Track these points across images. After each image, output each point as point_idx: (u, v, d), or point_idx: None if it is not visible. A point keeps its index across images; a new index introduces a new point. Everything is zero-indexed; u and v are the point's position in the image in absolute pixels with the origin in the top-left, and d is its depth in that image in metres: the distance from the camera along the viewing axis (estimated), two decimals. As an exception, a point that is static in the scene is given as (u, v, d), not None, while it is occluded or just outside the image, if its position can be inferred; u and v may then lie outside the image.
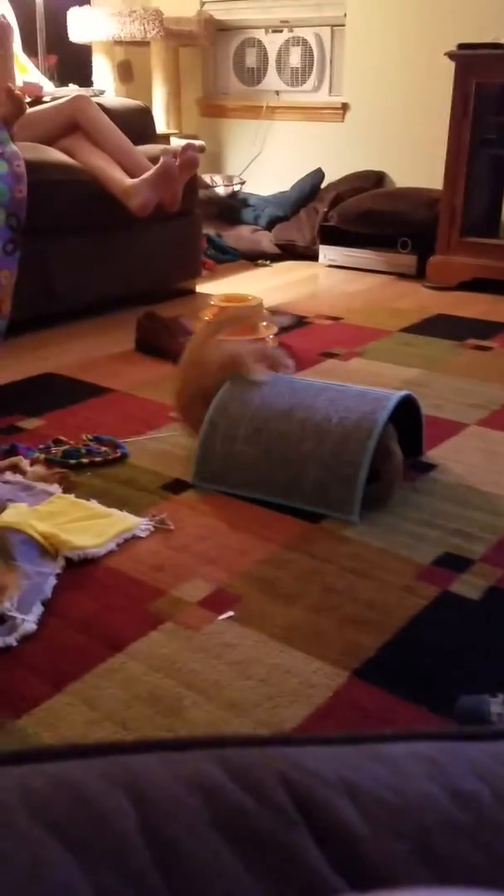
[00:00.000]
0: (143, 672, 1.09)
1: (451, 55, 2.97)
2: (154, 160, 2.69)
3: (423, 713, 1.02)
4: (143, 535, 1.43)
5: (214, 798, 0.30)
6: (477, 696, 0.96)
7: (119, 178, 2.63)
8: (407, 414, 1.70)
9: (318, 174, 3.86)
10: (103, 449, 1.74)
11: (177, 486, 1.61)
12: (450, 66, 2.99)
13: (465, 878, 0.28)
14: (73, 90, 3.08)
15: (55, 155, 2.65)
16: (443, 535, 1.43)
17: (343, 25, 3.76)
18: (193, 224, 3.06)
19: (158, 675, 1.08)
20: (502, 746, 0.37)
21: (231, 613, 1.22)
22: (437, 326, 2.71)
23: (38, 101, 2.88)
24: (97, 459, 1.70)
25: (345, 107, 3.84)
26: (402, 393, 1.62)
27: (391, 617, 1.21)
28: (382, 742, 0.36)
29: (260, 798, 0.30)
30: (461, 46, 2.97)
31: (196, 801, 0.30)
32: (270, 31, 4.00)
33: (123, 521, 1.45)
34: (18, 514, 1.39)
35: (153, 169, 2.63)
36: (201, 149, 3.43)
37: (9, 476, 1.58)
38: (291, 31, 3.93)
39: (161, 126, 3.82)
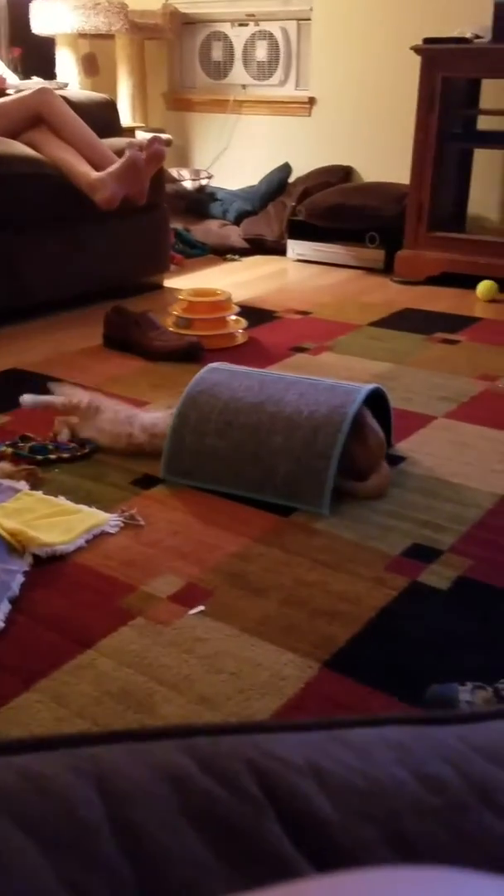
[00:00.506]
0: (113, 668, 1.08)
1: (416, 49, 2.98)
2: (120, 153, 2.67)
3: (393, 703, 1.02)
4: (112, 531, 1.42)
5: (182, 786, 0.30)
6: (446, 685, 0.97)
7: (85, 171, 2.60)
8: (376, 407, 1.71)
9: (286, 168, 3.86)
10: (71, 445, 1.72)
11: (146, 482, 1.60)
12: (416, 61, 3.00)
13: (433, 861, 0.28)
14: (36, 83, 3.04)
15: (19, 148, 2.62)
16: (412, 527, 1.44)
17: (309, 19, 3.76)
18: (161, 218, 3.04)
19: (129, 671, 1.08)
20: (469, 730, 0.37)
21: (202, 608, 1.21)
22: (406, 320, 2.72)
23: (1, 93, 2.85)
24: (65, 455, 1.69)
25: (312, 101, 3.85)
26: (372, 386, 1.63)
27: (361, 608, 1.22)
28: (351, 728, 0.36)
29: (228, 785, 0.30)
30: (427, 41, 2.98)
31: (164, 789, 0.30)
32: (236, 24, 3.99)
33: (92, 518, 1.44)
34: (-15, 511, 1.37)
35: (119, 162, 2.61)
36: (168, 142, 3.41)
37: (-25, 473, 1.56)
38: (257, 24, 3.93)
39: (127, 119, 3.79)
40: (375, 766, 0.32)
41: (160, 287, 3.12)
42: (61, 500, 1.50)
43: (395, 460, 1.71)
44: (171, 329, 2.44)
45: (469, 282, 3.06)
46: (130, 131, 3.65)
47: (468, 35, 2.99)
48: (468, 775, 0.32)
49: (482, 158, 3.38)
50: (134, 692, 1.04)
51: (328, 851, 0.28)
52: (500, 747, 0.35)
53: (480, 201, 3.44)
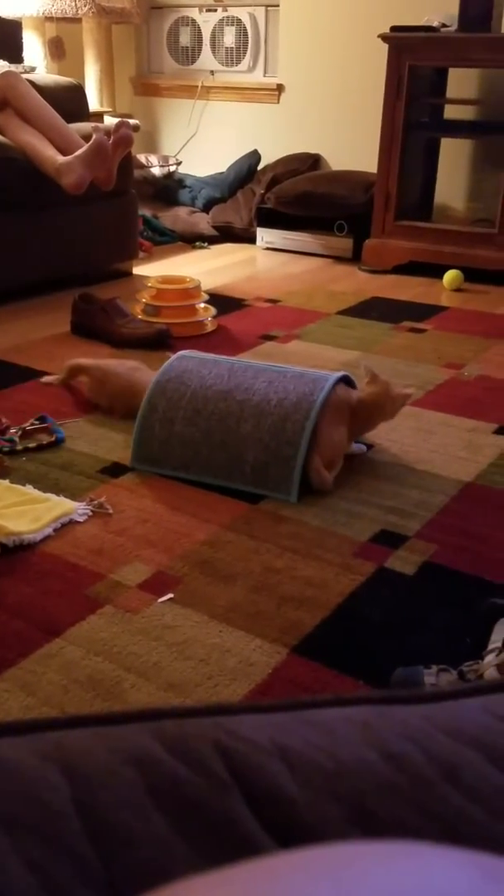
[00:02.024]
0: (81, 656, 1.08)
1: (384, 37, 2.98)
2: (87, 138, 2.64)
3: (360, 686, 1.03)
4: (80, 519, 1.41)
5: (148, 768, 0.30)
6: (412, 668, 0.98)
7: (51, 155, 2.57)
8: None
9: (255, 155, 3.85)
10: (39, 435, 1.71)
11: (115, 470, 1.59)
12: (384, 49, 3.00)
13: (399, 838, 0.28)
14: (2, 66, 2.99)
15: (-16, 132, 2.57)
16: (379, 513, 1.46)
17: (277, 6, 3.74)
18: (129, 204, 3.01)
19: (97, 659, 1.07)
20: (433, 709, 0.37)
21: (171, 595, 1.21)
22: (373, 309, 2.74)
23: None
24: (31, 445, 1.67)
25: (280, 88, 3.83)
26: (340, 374, 1.63)
27: (329, 594, 1.23)
28: (316, 708, 0.37)
29: (194, 766, 0.30)
30: (394, 29, 2.98)
31: (129, 772, 0.30)
32: (204, 10, 3.95)
33: (60, 506, 1.43)
34: (-49, 500, 1.35)
35: (86, 146, 2.58)
36: (135, 127, 3.38)
37: None
38: (225, 10, 3.89)
39: (94, 104, 3.74)
40: (340, 745, 0.32)
41: (128, 274, 3.09)
42: (29, 488, 1.49)
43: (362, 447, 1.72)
44: (139, 316, 2.42)
45: (435, 271, 3.08)
46: (98, 116, 3.60)
47: (435, 24, 3.00)
48: (433, 753, 0.32)
49: (449, 148, 3.40)
50: (102, 680, 1.04)
51: (293, 829, 0.29)
52: (464, 726, 0.36)
53: (447, 191, 3.46)
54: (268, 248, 3.57)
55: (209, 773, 0.30)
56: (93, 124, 2.88)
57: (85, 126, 2.86)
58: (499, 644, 0.94)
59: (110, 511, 1.44)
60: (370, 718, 0.35)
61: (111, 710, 0.98)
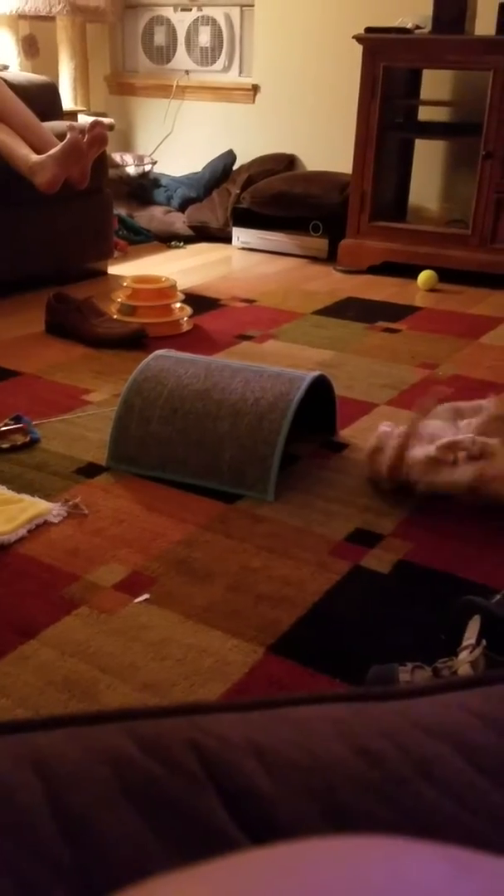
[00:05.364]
0: (56, 658, 1.07)
1: (358, 38, 3.00)
2: (61, 137, 2.62)
3: (336, 684, 1.04)
4: (55, 520, 1.40)
5: (122, 768, 0.30)
6: (387, 666, 0.99)
7: (25, 153, 2.55)
8: (320, 394, 1.72)
9: (230, 155, 3.85)
10: (13, 435, 1.69)
11: (90, 470, 1.58)
12: (359, 50, 3.02)
13: (372, 832, 0.29)
14: (-26, 62, 2.96)
15: (-44, 129, 2.54)
16: (355, 512, 1.46)
17: (252, 6, 3.75)
18: (104, 203, 3.00)
19: (73, 661, 1.07)
20: (407, 705, 0.38)
21: (147, 596, 1.21)
22: (348, 309, 2.75)
23: None
24: (5, 446, 1.65)
25: (255, 88, 3.83)
26: (315, 374, 1.64)
27: (305, 593, 1.23)
28: (292, 706, 0.37)
29: (169, 765, 0.30)
30: (368, 30, 3.00)
31: (104, 772, 0.30)
32: (179, 9, 3.94)
33: (35, 507, 1.42)
34: None
35: (60, 145, 2.56)
36: (110, 126, 3.36)
37: None
38: (200, 10, 3.89)
39: (68, 103, 3.72)
40: (315, 741, 0.32)
41: (103, 273, 3.08)
42: (2, 489, 1.47)
43: (339, 447, 1.73)
44: (114, 316, 2.41)
45: (410, 271, 3.10)
46: (72, 115, 3.58)
47: (409, 25, 3.02)
48: (407, 749, 0.33)
49: (423, 149, 3.42)
50: (78, 681, 1.03)
51: (267, 826, 0.29)
52: (438, 721, 0.36)
53: (421, 192, 3.48)
54: (243, 248, 3.57)
55: (184, 771, 0.30)
56: (68, 123, 2.86)
57: (59, 125, 2.84)
58: (473, 641, 0.95)
59: (86, 512, 1.44)
60: (345, 715, 0.35)
61: (86, 711, 0.97)
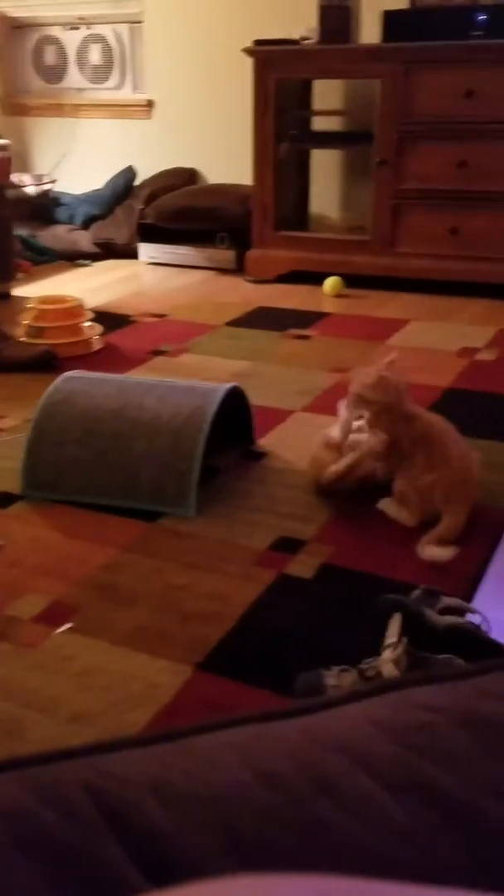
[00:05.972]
0: (-22, 698, 1.04)
1: (248, 51, 3.03)
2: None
3: (266, 696, 1.03)
4: (-30, 554, 1.36)
5: (15, 820, 0.29)
6: (313, 672, 0.99)
7: None
8: (236, 405, 1.72)
9: (130, 172, 3.83)
10: None
11: (5, 500, 1.54)
12: (250, 62, 3.05)
13: (272, 861, 0.28)
14: None
15: None
16: (277, 520, 1.47)
17: (141, 22, 3.74)
18: (3, 225, 2.94)
19: (-4, 699, 1.03)
20: (313, 720, 0.37)
21: (70, 625, 1.18)
22: (260, 318, 2.76)
23: None
24: None
25: (150, 104, 3.83)
26: (229, 385, 1.64)
27: (232, 606, 1.22)
28: (197, 734, 0.36)
29: (64, 811, 0.29)
30: (258, 43, 3.03)
31: (-5, 828, 0.28)
32: (68, 27, 3.91)
33: None
34: None
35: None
36: (5, 147, 3.30)
37: None
38: (89, 28, 3.86)
39: (-40, 125, 3.63)
40: (216, 771, 0.32)
41: (7, 296, 3.01)
42: None
43: (257, 456, 1.73)
44: (21, 339, 2.36)
45: (317, 278, 3.14)
46: (-36, 137, 3.50)
47: (297, 36, 3.06)
48: (308, 766, 0.32)
49: (320, 158, 3.48)
50: (1, 721, 1.00)
51: (169, 865, 0.28)
52: (343, 734, 0.36)
53: (320, 201, 3.54)
54: (151, 263, 3.55)
55: (79, 816, 0.29)
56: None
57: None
58: (394, 639, 0.96)
59: (2, 543, 1.40)
60: (249, 739, 0.35)
61: (12, 755, 0.94)
